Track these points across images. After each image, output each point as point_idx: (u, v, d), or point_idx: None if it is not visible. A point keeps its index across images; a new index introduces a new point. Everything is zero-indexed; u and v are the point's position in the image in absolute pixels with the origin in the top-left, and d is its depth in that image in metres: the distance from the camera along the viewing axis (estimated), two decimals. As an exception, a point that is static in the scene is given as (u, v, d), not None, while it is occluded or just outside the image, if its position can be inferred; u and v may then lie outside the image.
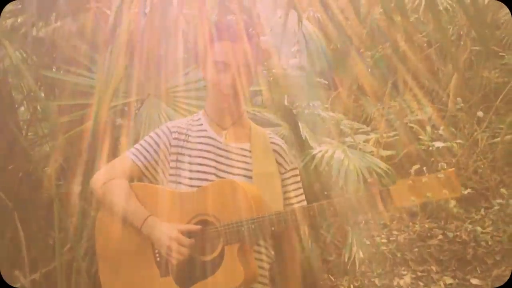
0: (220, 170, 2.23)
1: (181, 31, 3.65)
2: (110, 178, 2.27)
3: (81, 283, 3.15)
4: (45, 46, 3.57)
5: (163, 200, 2.20)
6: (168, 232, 2.12)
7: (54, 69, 3.59)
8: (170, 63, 3.42)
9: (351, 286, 4.80)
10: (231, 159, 2.25)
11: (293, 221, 2.07)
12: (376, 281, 4.86)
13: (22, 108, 4.05)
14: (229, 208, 2.10)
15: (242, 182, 2.16)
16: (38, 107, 3.60)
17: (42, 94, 3.58)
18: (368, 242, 4.79)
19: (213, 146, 2.26)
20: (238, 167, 2.25)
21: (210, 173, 2.22)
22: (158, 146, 2.28)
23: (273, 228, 2.08)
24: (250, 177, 2.23)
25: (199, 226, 2.12)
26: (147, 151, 2.29)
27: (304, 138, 4.18)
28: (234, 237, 2.08)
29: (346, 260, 4.27)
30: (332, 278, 4.86)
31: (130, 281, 2.23)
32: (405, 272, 4.99)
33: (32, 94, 3.55)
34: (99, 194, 2.27)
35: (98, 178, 2.30)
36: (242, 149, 2.28)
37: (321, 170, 3.97)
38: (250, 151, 2.28)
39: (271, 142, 2.33)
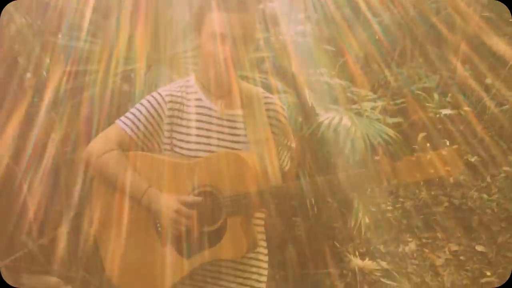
0: (216, 138, 2.22)
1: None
2: (104, 149, 2.22)
3: (88, 248, 3.18)
4: (50, 12, 3.55)
5: (163, 171, 2.18)
6: (169, 203, 2.11)
7: (60, 36, 3.58)
8: (176, 28, 3.40)
9: (356, 252, 4.82)
10: (226, 126, 2.24)
11: (297, 195, 2.10)
12: (382, 247, 4.89)
13: (28, 75, 4.04)
14: (232, 180, 2.09)
15: (243, 153, 2.16)
16: (44, 74, 3.59)
17: (48, 60, 3.57)
18: (373, 209, 4.81)
19: (209, 115, 2.23)
20: (233, 134, 2.24)
21: (206, 144, 2.21)
22: (151, 114, 2.21)
23: (276, 201, 2.09)
24: (246, 143, 2.23)
25: (199, 198, 2.12)
26: (139, 120, 2.22)
27: (310, 105, 4.16)
28: (238, 209, 2.08)
29: (351, 226, 4.29)
30: (337, 245, 4.89)
31: (130, 251, 2.22)
32: (410, 239, 5.01)
33: (38, 60, 3.54)
34: (95, 167, 2.24)
35: (92, 150, 2.24)
36: (234, 115, 2.26)
37: (328, 137, 3.96)
38: (243, 116, 2.26)
39: (266, 103, 2.31)
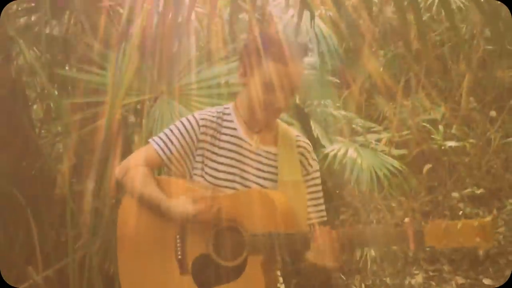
0: (246, 172, 2.21)
1: (193, 29, 3.66)
2: (134, 164, 2.25)
3: (93, 280, 3.17)
4: (58, 44, 3.59)
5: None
6: (190, 201, 2.09)
7: (67, 67, 3.61)
8: (182, 61, 3.42)
9: (363, 285, 4.79)
10: (258, 161, 2.23)
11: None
12: (388, 280, 4.85)
13: (36, 106, 4.07)
14: (258, 218, 2.08)
15: (274, 193, 2.14)
16: (52, 105, 3.62)
17: (56, 92, 3.60)
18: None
19: (242, 147, 2.22)
20: (264, 171, 2.22)
21: (236, 175, 2.20)
22: (184, 138, 2.21)
23: (298, 247, 2.05)
24: (275, 181, 2.21)
25: (208, 194, 2.10)
26: (172, 142, 2.22)
27: (316, 136, 4.17)
28: (260, 248, 2.06)
29: (358, 259, 4.27)
30: (343, 277, 4.86)
31: (148, 273, 2.22)
32: (417, 272, 4.97)
33: (45, 92, 3.57)
34: (122, 183, 2.26)
35: (121, 168, 2.28)
36: (268, 152, 2.24)
37: (334, 168, 3.96)
38: (276, 155, 2.25)
39: (298, 146, 2.28)
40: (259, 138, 2.23)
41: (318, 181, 2.33)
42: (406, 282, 4.81)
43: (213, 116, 2.25)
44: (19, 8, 3.69)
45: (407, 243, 1.96)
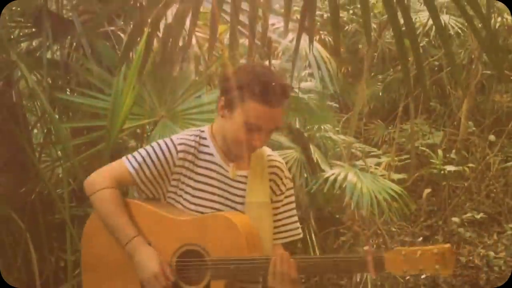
0: (223, 197, 2.20)
1: (193, 55, 3.69)
2: (103, 184, 2.19)
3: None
4: (59, 69, 3.61)
5: (155, 223, 2.15)
6: (151, 263, 2.08)
7: (68, 92, 3.62)
8: (182, 85, 3.44)
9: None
10: (233, 186, 2.22)
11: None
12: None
13: (36, 131, 4.07)
14: (221, 243, 2.07)
15: (237, 216, 2.14)
16: (52, 129, 3.62)
17: (56, 116, 3.61)
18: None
19: (218, 173, 2.21)
20: (240, 196, 2.22)
21: (212, 201, 2.19)
22: (160, 162, 2.17)
23: (262, 272, 2.05)
24: (244, 204, 2.21)
25: (174, 276, 2.10)
26: (146, 164, 2.18)
27: (315, 161, 4.18)
28: (222, 273, 2.05)
29: (357, 282, 4.25)
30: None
31: None
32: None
33: (46, 116, 3.57)
34: (91, 201, 2.22)
35: (91, 181, 2.23)
36: (242, 176, 2.24)
37: (334, 193, 3.96)
38: (247, 178, 2.24)
39: (270, 166, 2.27)
40: (235, 165, 2.22)
41: (293, 198, 2.33)
42: None
43: (191, 140, 2.22)
44: (21, 33, 3.71)
45: (368, 270, 1.94)
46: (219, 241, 2.07)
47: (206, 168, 2.21)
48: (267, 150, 2.32)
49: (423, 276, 5.00)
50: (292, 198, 2.33)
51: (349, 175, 4.03)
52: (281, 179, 2.29)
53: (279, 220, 2.27)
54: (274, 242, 2.24)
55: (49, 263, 3.47)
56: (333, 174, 4.03)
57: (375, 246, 5.49)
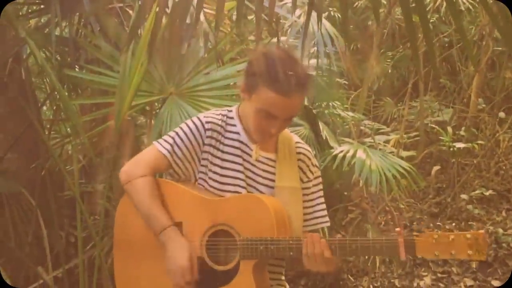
0: (248, 177, 2.21)
1: (202, 31, 3.67)
2: (139, 173, 2.21)
3: (103, 280, 3.18)
4: (68, 45, 3.61)
5: (187, 202, 2.17)
6: (182, 256, 2.09)
7: (77, 69, 3.63)
8: (191, 62, 3.43)
9: (371, 286, 4.79)
10: (258, 167, 2.22)
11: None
12: (396, 282, 4.85)
13: (45, 108, 4.09)
14: (251, 223, 2.08)
15: (268, 198, 2.14)
16: (61, 106, 3.63)
17: (65, 93, 3.62)
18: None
19: (245, 152, 2.22)
20: (263, 177, 2.22)
21: (239, 179, 2.19)
22: (191, 142, 2.19)
23: (291, 253, 2.05)
24: (272, 188, 2.21)
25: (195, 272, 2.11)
26: (177, 145, 2.19)
27: (324, 138, 4.18)
28: (252, 253, 2.06)
29: (366, 260, 4.26)
30: (351, 279, 4.86)
31: (142, 275, 2.22)
32: (425, 274, 4.97)
33: (55, 93, 3.59)
34: (127, 190, 2.23)
35: (125, 171, 2.24)
36: (268, 159, 2.23)
37: (343, 170, 3.96)
38: (275, 161, 2.24)
39: (297, 152, 2.27)
40: (258, 147, 2.22)
41: (321, 187, 2.32)
42: (415, 284, 4.81)
43: (218, 119, 2.23)
44: (29, 10, 3.71)
45: (398, 253, 1.93)
46: (249, 222, 2.08)
47: (233, 147, 2.22)
48: (294, 137, 2.32)
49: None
50: (320, 187, 2.32)
51: (358, 152, 4.02)
52: (308, 166, 2.28)
53: (307, 207, 2.26)
54: (306, 228, 2.24)
55: (59, 239, 3.51)
56: (341, 151, 4.02)
57: (383, 223, 5.51)
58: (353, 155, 3.97)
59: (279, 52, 2.10)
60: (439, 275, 4.95)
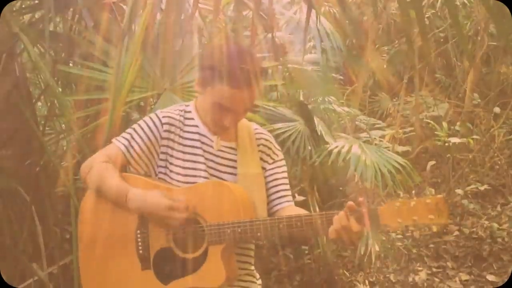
0: (210, 167, 2.23)
1: (196, 26, 3.66)
2: (96, 160, 2.24)
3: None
4: (62, 41, 3.60)
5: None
6: (158, 200, 2.10)
7: (71, 64, 3.62)
8: (185, 58, 3.42)
9: (366, 281, 4.79)
10: (220, 157, 2.25)
11: (280, 229, 2.06)
12: (391, 277, 4.85)
13: (40, 103, 4.08)
14: (217, 209, 2.11)
15: (231, 184, 2.18)
16: (55, 102, 3.62)
17: (59, 89, 3.61)
18: (383, 238, 4.78)
19: (205, 144, 2.25)
20: (226, 165, 2.25)
21: (201, 170, 2.21)
22: (148, 137, 2.22)
23: (259, 234, 2.08)
24: (235, 175, 2.25)
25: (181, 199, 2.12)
26: (135, 140, 2.22)
27: (319, 133, 4.18)
28: (219, 238, 2.08)
29: (361, 255, 4.27)
30: (347, 274, 4.86)
31: (109, 270, 2.23)
32: (420, 268, 4.97)
33: (49, 89, 3.57)
34: (87, 180, 2.24)
35: (84, 166, 2.27)
36: (229, 147, 2.28)
37: (338, 165, 3.95)
38: (235, 149, 2.28)
39: (257, 138, 2.32)
40: (219, 137, 2.26)
41: (285, 168, 2.37)
42: (410, 278, 4.81)
43: (176, 114, 2.27)
44: (23, 6, 3.69)
45: (363, 223, 1.95)
46: (215, 208, 2.11)
47: (192, 139, 2.25)
48: (253, 125, 2.38)
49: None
50: (285, 168, 2.37)
51: (353, 147, 4.02)
52: (271, 149, 2.34)
53: (275, 186, 2.31)
54: (273, 209, 2.28)
55: (54, 235, 3.51)
56: (337, 146, 4.02)
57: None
58: (348, 150, 3.97)
59: (230, 46, 2.16)
60: (434, 269, 4.96)
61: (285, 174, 2.35)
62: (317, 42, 4.41)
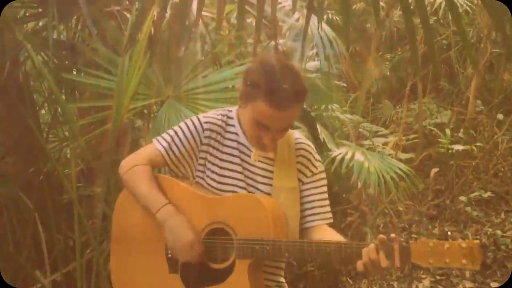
0: (247, 177, 2.21)
1: (199, 34, 3.67)
2: (134, 163, 2.26)
3: (100, 284, 3.17)
4: (66, 49, 3.60)
5: (184, 198, 2.19)
6: (187, 231, 2.11)
7: (74, 72, 3.62)
8: (189, 65, 3.43)
9: (370, 289, 4.78)
10: (256, 166, 2.23)
11: (308, 253, 2.04)
12: (395, 284, 4.84)
13: (43, 111, 4.08)
14: (248, 223, 2.09)
15: (265, 198, 2.15)
16: (59, 110, 3.63)
17: (63, 97, 3.62)
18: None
19: (243, 153, 2.23)
20: (263, 176, 2.22)
21: (237, 179, 2.20)
22: (188, 140, 2.21)
23: (287, 255, 2.07)
24: (271, 186, 2.21)
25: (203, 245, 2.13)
26: (175, 143, 2.23)
27: (322, 140, 4.18)
28: (248, 253, 2.07)
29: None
30: (350, 281, 4.85)
31: (138, 270, 2.25)
32: (424, 276, 4.96)
33: (53, 96, 3.58)
34: (124, 180, 2.27)
35: (123, 165, 2.29)
36: (267, 158, 2.23)
37: (341, 172, 3.95)
38: (273, 160, 2.23)
39: (297, 149, 2.26)
40: (257, 150, 2.22)
41: (324, 182, 2.30)
42: (414, 286, 4.80)
43: (218, 119, 2.25)
44: (27, 14, 3.70)
45: (393, 259, 1.92)
46: (246, 221, 2.10)
47: (231, 147, 2.23)
48: (295, 133, 2.31)
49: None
50: (324, 182, 2.30)
51: (356, 154, 4.02)
52: (310, 161, 2.27)
53: (310, 202, 2.25)
54: (306, 225, 2.24)
55: (57, 243, 3.51)
56: (340, 153, 4.02)
57: (382, 225, 5.50)
58: (352, 158, 3.98)
59: (277, 63, 2.07)
60: (438, 277, 4.95)
61: (324, 189, 2.28)
62: (320, 49, 4.40)
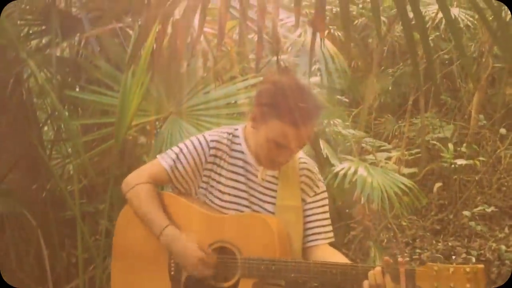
0: (252, 195, 2.22)
1: (201, 50, 3.68)
2: (138, 181, 2.25)
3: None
4: (69, 66, 3.62)
5: (189, 217, 2.19)
6: (193, 249, 2.11)
7: (77, 89, 3.64)
8: (191, 81, 3.44)
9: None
10: (261, 185, 2.23)
11: (314, 273, 2.05)
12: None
13: (46, 128, 4.09)
14: (253, 242, 2.10)
15: (270, 218, 2.16)
16: (62, 126, 3.64)
17: (66, 113, 3.63)
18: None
19: (248, 171, 2.23)
20: (268, 195, 2.23)
21: (242, 198, 2.21)
22: (193, 158, 2.22)
23: (292, 275, 2.06)
24: (275, 205, 2.22)
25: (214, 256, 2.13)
26: (179, 160, 2.23)
27: (325, 156, 4.17)
28: (253, 272, 2.07)
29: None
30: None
31: (140, 285, 2.24)
32: None
33: (56, 113, 3.60)
34: (127, 199, 2.27)
35: (127, 182, 2.29)
36: (272, 176, 2.24)
37: (344, 187, 3.95)
38: (277, 179, 2.24)
39: (300, 168, 2.27)
40: (264, 169, 2.23)
41: (326, 201, 2.31)
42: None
43: (223, 138, 2.25)
44: (30, 31, 3.72)
45: (398, 281, 1.93)
46: (252, 241, 2.10)
47: (237, 166, 2.24)
48: (298, 153, 2.31)
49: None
50: (326, 201, 2.31)
51: (359, 169, 4.01)
52: (313, 180, 2.29)
53: (313, 221, 2.26)
54: (308, 245, 2.24)
55: (60, 259, 3.50)
56: (343, 168, 4.01)
57: (385, 240, 5.48)
58: (355, 172, 3.97)
59: (289, 82, 2.10)
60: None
61: (325, 208, 2.29)
62: (321, 65, 4.42)
